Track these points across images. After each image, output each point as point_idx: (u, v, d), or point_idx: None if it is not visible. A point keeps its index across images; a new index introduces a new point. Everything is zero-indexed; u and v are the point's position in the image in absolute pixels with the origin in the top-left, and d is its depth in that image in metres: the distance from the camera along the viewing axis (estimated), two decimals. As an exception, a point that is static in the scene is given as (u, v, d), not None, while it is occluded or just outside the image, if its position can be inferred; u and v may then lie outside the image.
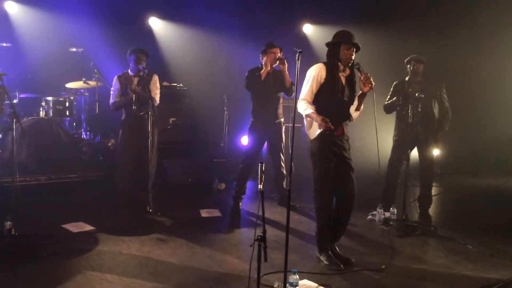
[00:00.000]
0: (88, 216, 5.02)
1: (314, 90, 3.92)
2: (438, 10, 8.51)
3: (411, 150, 5.23)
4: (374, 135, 3.83)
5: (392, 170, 5.41)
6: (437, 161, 5.36)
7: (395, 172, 5.40)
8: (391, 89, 5.46)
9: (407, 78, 5.33)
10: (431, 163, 5.30)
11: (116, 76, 5.36)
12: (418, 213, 5.40)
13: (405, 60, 5.32)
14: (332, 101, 3.90)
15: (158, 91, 5.42)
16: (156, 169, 5.61)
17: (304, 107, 3.90)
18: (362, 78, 3.84)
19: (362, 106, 4.00)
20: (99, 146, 7.14)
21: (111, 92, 5.38)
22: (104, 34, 7.60)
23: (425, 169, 5.31)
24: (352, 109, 4.00)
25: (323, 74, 3.90)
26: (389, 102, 5.39)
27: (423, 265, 4.08)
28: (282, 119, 5.71)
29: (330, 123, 3.78)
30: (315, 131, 3.92)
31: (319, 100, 3.96)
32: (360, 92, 3.93)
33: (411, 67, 5.23)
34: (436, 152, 5.26)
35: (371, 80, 3.81)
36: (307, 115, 3.92)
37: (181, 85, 7.89)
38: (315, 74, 3.91)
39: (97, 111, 7.15)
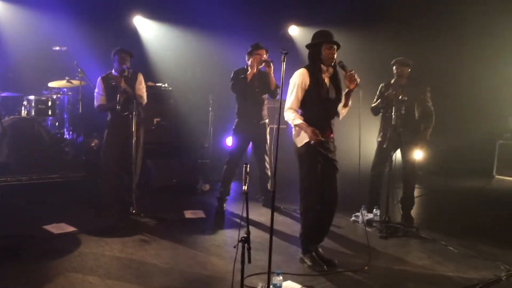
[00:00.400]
0: (70, 217, 4.96)
1: (300, 97, 3.90)
2: (425, 12, 8.59)
3: (394, 152, 5.28)
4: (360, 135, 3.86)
5: (376, 171, 5.46)
6: (419, 163, 5.41)
7: (379, 174, 5.44)
8: (378, 90, 5.52)
9: (392, 81, 5.39)
10: (413, 165, 5.35)
11: (100, 78, 5.31)
12: (401, 214, 5.46)
13: (391, 63, 5.38)
14: (319, 103, 3.90)
15: (144, 90, 5.41)
16: (140, 170, 5.58)
17: (292, 117, 3.88)
18: (347, 76, 3.86)
19: (350, 102, 4.02)
20: (82, 146, 7.06)
21: (95, 95, 5.33)
22: (88, 33, 7.52)
23: (407, 171, 5.37)
24: (340, 106, 4.02)
25: (307, 80, 3.88)
26: (375, 104, 5.44)
27: (405, 266, 4.12)
28: (267, 120, 5.73)
29: (320, 135, 3.77)
30: (302, 139, 3.91)
31: (305, 104, 3.95)
32: (347, 89, 3.95)
33: (397, 69, 5.29)
34: (418, 154, 5.32)
35: (356, 77, 3.83)
36: (296, 125, 3.90)
37: (165, 85, 7.85)
38: (298, 82, 3.88)
39: (80, 111, 7.06)
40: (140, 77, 5.39)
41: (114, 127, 5.28)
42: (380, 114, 5.43)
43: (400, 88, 5.19)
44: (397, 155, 5.33)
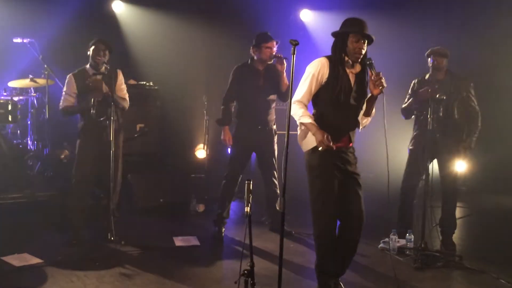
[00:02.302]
0: (34, 246, 4.96)
1: (313, 91, 3.92)
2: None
3: (430, 162, 5.26)
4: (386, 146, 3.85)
5: (408, 187, 5.45)
6: (462, 176, 5.39)
7: (412, 190, 5.43)
8: (410, 88, 5.51)
9: (427, 76, 5.39)
10: (454, 179, 5.34)
11: (71, 75, 5.32)
12: (440, 240, 5.43)
13: (426, 54, 5.38)
14: (336, 105, 3.90)
15: (126, 90, 5.46)
16: (121, 187, 5.58)
17: (300, 113, 3.88)
18: (373, 78, 3.84)
19: (373, 110, 4.01)
20: (49, 159, 7.06)
21: (63, 94, 5.34)
22: (56, 21, 7.57)
23: (447, 186, 5.35)
24: (361, 114, 4.02)
25: (325, 71, 3.88)
26: (406, 104, 5.44)
27: (446, 304, 4.10)
28: (275, 126, 5.73)
29: (331, 142, 3.77)
30: (309, 142, 3.92)
31: (319, 102, 3.96)
32: (369, 95, 3.94)
33: (433, 62, 5.28)
34: (461, 166, 5.30)
35: (383, 81, 3.81)
36: (303, 124, 3.91)
37: (151, 83, 7.88)
38: (314, 71, 3.89)
39: (47, 116, 7.07)
40: (120, 75, 5.42)
41: (88, 135, 5.29)
42: (413, 116, 5.42)
43: (437, 84, 5.18)
44: (434, 166, 5.31)
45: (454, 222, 5.45)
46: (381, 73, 3.83)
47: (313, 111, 4.00)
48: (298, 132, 4.02)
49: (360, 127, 4.06)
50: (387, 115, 3.90)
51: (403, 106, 5.47)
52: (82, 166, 5.31)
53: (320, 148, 3.81)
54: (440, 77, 5.31)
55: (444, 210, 5.42)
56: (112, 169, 5.10)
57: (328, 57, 3.96)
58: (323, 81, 3.89)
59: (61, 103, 5.34)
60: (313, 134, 3.83)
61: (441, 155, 5.29)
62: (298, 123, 3.95)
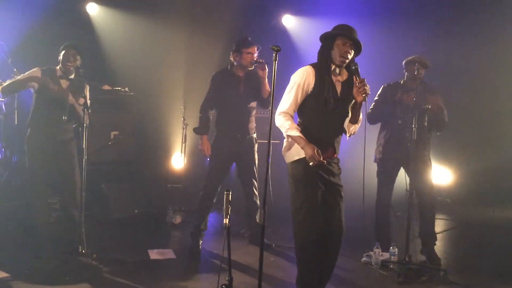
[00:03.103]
0: (0, 259, 4.87)
1: (299, 101, 3.91)
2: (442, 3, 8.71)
3: (405, 171, 5.30)
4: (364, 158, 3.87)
5: (381, 200, 5.51)
6: (447, 188, 5.44)
7: (386, 203, 5.48)
8: (379, 92, 5.56)
9: (402, 81, 5.45)
10: (430, 189, 5.39)
11: (38, 68, 5.32)
12: (421, 252, 5.46)
13: (406, 60, 5.43)
14: (323, 114, 3.90)
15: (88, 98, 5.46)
16: (92, 196, 5.55)
17: (287, 125, 3.87)
18: (357, 84, 3.86)
19: (361, 117, 4.03)
20: (17, 167, 6.98)
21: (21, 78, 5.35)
22: (27, 24, 7.50)
23: (423, 197, 5.37)
24: (347, 122, 4.03)
25: (311, 80, 3.88)
26: (375, 109, 5.48)
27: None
28: (255, 135, 5.73)
29: (321, 157, 3.77)
30: (294, 154, 3.91)
31: (305, 111, 3.96)
32: (353, 101, 3.96)
33: (415, 70, 5.32)
34: (446, 176, 5.35)
35: (366, 88, 3.82)
36: (290, 137, 3.90)
37: (126, 89, 7.82)
38: (300, 81, 3.89)
39: (16, 122, 7.00)
40: (87, 88, 5.44)
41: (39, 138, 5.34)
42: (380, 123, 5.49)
43: (413, 92, 5.22)
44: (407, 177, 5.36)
45: (434, 234, 5.50)
46: (365, 80, 3.85)
47: (298, 120, 4.01)
48: (284, 143, 4.01)
49: (348, 135, 4.08)
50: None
51: (370, 110, 5.50)
52: (36, 172, 5.37)
53: (311, 164, 3.81)
54: (413, 85, 5.32)
55: (422, 222, 5.45)
56: (83, 177, 5.08)
57: (313, 65, 3.96)
58: (309, 90, 3.89)
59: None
60: (302, 148, 3.83)
61: (413, 165, 5.29)
62: (285, 135, 3.94)
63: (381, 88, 5.57)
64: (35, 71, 5.29)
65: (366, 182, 4.06)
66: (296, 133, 3.85)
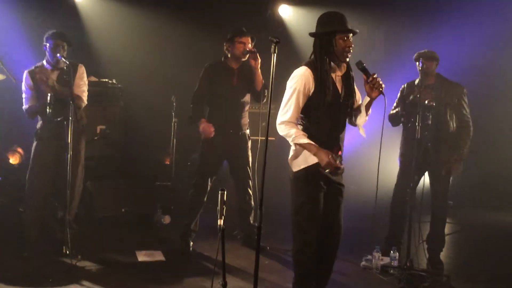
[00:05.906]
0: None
1: (301, 106, 3.85)
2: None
3: (421, 175, 5.33)
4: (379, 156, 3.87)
5: (398, 200, 5.51)
6: (450, 191, 5.46)
7: (402, 203, 5.48)
8: (399, 93, 5.59)
9: (417, 81, 5.47)
10: (445, 193, 5.42)
11: (26, 72, 5.27)
12: (427, 258, 5.48)
13: (413, 58, 5.45)
14: (326, 112, 3.87)
15: (85, 88, 5.41)
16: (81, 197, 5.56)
17: (293, 134, 3.80)
18: (369, 81, 3.83)
19: (370, 110, 4.02)
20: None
21: (24, 95, 5.30)
22: (9, 9, 7.46)
23: (437, 200, 5.42)
24: (359, 118, 4.04)
25: (311, 83, 3.82)
26: (394, 111, 5.51)
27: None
28: (248, 131, 5.73)
29: (337, 162, 3.75)
30: (301, 163, 3.87)
31: (307, 112, 3.90)
32: (368, 100, 3.93)
33: (422, 66, 5.35)
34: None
35: (380, 82, 3.81)
36: (299, 145, 3.84)
37: (114, 81, 7.81)
38: (300, 87, 3.81)
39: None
40: (81, 70, 5.39)
41: (45, 137, 5.26)
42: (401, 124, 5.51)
43: (427, 89, 5.25)
44: (426, 179, 5.38)
45: (443, 240, 5.53)
46: (375, 74, 3.82)
47: (299, 122, 3.96)
48: (291, 153, 3.95)
49: (359, 129, 4.07)
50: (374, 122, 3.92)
51: (391, 112, 5.55)
52: (38, 173, 5.27)
53: (327, 171, 3.79)
54: (430, 82, 5.38)
55: (433, 226, 5.49)
56: (69, 176, 5.04)
57: (309, 65, 3.87)
58: (310, 94, 3.84)
59: (24, 104, 5.30)
60: (315, 155, 3.78)
61: (432, 167, 5.36)
62: (292, 144, 3.90)
63: (401, 88, 5.63)
64: (27, 79, 5.23)
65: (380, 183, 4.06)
66: (305, 140, 3.78)
